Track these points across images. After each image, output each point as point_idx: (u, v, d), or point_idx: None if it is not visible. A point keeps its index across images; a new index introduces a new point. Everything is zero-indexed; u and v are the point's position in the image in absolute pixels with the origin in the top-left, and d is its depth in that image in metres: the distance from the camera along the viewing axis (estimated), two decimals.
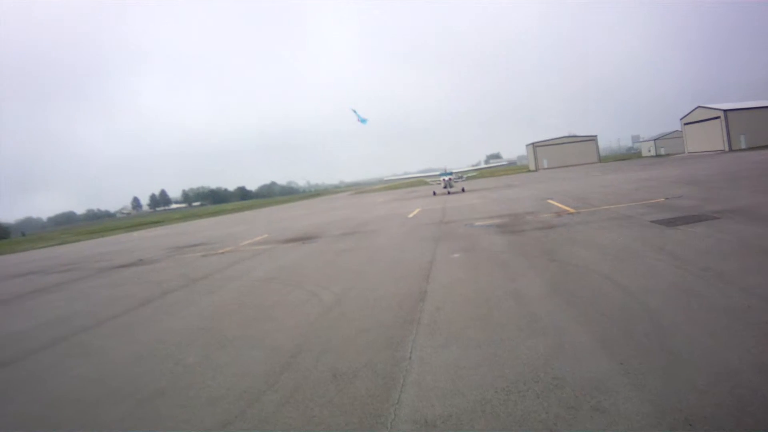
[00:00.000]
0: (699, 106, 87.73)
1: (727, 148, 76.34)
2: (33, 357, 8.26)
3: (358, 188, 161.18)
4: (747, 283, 6.88)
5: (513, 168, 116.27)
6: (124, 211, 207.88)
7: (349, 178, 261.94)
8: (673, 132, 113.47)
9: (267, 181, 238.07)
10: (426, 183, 56.27)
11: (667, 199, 17.84)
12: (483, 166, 73.37)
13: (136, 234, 54.66)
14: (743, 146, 74.97)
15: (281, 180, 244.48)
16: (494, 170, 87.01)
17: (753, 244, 9.34)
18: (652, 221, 13.25)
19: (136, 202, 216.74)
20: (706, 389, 4.15)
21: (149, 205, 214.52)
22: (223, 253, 19.87)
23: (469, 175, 57.25)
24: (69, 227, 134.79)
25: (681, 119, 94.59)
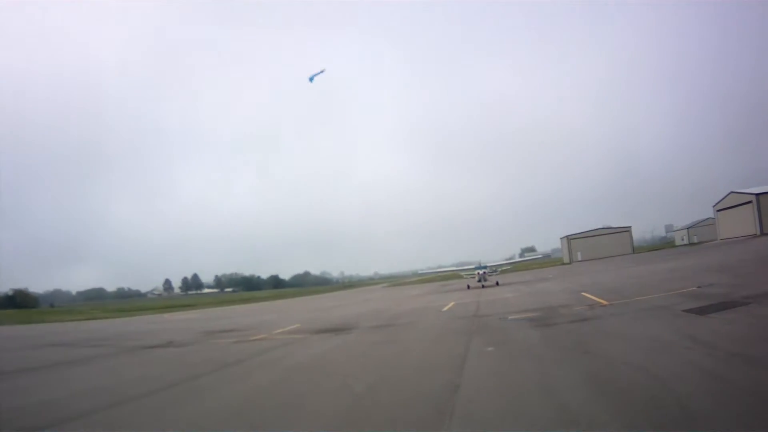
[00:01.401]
0: (732, 192, 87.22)
1: (758, 232, 75.33)
2: (61, 428, 8.34)
3: (393, 281, 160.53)
4: None
5: (547, 261, 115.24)
6: (155, 292, 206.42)
7: (383, 270, 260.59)
8: (707, 219, 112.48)
9: (301, 270, 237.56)
10: (460, 277, 56.01)
11: (699, 287, 17.72)
12: (517, 259, 72.85)
13: (167, 316, 55.26)
14: None
15: (315, 270, 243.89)
16: (528, 263, 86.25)
17: None
18: (685, 310, 13.18)
19: (167, 284, 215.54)
20: None
21: (181, 288, 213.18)
22: (255, 340, 19.84)
23: (504, 268, 57.03)
24: (98, 303, 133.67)
25: (714, 206, 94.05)
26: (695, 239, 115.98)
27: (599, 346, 10.47)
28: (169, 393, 10.65)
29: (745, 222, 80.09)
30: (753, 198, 78.38)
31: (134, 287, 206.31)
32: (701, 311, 12.62)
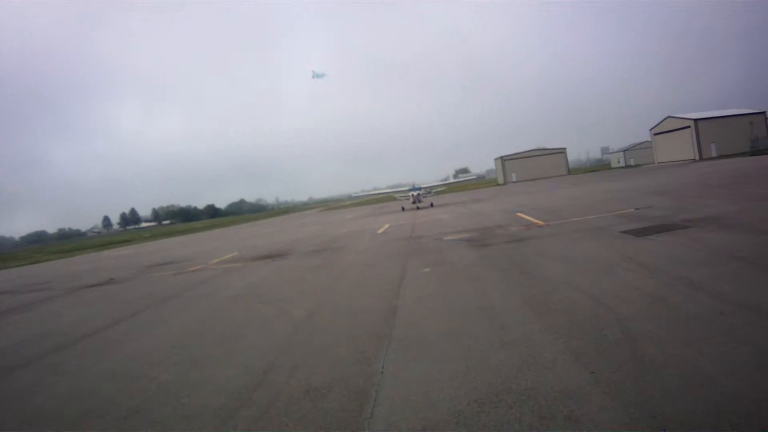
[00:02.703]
0: (669, 116, 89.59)
1: (697, 157, 78.02)
2: (8, 376, 8.23)
3: (328, 205, 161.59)
4: (719, 290, 7.05)
5: (482, 182, 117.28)
6: (95, 230, 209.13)
7: (318, 194, 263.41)
8: (643, 142, 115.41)
9: (236, 198, 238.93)
10: (395, 199, 56.51)
11: (637, 209, 18.15)
12: (452, 180, 73.55)
13: (106, 253, 54.50)
14: (714, 155, 76.76)
15: (250, 197, 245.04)
16: (463, 184, 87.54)
17: (724, 252, 9.56)
18: (622, 232, 13.46)
19: (106, 221, 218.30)
20: (680, 395, 4.26)
21: (119, 224, 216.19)
22: (193, 271, 19.85)
23: (438, 189, 57.62)
24: (41, 246, 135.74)
25: (651, 129, 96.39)
26: (632, 162, 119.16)
27: (537, 267, 10.64)
28: (112, 331, 10.65)
29: (682, 146, 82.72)
30: (691, 123, 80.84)
31: (74, 227, 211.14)
32: (639, 233, 12.88)
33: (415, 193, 45.66)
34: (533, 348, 5.85)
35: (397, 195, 54.90)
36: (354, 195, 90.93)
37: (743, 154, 69.04)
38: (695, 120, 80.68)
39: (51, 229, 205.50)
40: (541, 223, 18.44)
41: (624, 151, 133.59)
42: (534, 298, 8.16)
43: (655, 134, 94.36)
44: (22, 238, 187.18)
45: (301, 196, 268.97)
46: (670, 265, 9.05)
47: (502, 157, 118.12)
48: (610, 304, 7.13)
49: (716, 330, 5.62)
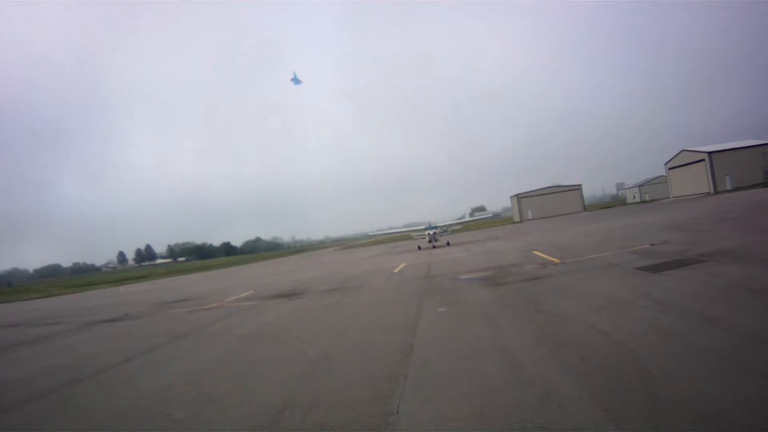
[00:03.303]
0: (683, 150, 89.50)
1: (712, 190, 77.66)
2: (21, 409, 8.26)
3: (344, 243, 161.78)
4: (733, 324, 7.03)
5: (498, 220, 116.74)
6: (110, 265, 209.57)
7: (334, 233, 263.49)
8: (658, 177, 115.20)
9: (252, 236, 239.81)
10: (411, 237, 56.51)
11: (652, 245, 18.07)
12: (468, 218, 73.28)
13: (121, 288, 54.82)
14: (728, 187, 76.39)
15: (266, 236, 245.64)
16: (479, 223, 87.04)
17: (739, 286, 9.54)
18: (638, 268, 13.42)
19: (121, 257, 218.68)
20: None
21: (135, 259, 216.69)
22: (209, 308, 19.81)
23: (454, 228, 57.51)
24: (55, 279, 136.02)
25: (665, 164, 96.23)
26: (647, 197, 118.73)
27: (552, 305, 10.58)
28: (126, 367, 10.67)
29: (698, 180, 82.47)
30: (705, 156, 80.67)
31: (89, 261, 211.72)
32: (655, 269, 12.83)
33: (431, 232, 45.69)
34: (548, 386, 5.84)
35: (413, 234, 54.94)
36: (370, 234, 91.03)
37: (758, 186, 68.74)
38: (709, 153, 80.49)
39: (65, 262, 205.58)
40: (556, 260, 18.37)
41: (639, 186, 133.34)
42: (549, 336, 8.13)
43: (670, 168, 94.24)
44: (36, 271, 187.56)
45: (317, 235, 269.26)
46: (685, 300, 9.02)
47: (517, 195, 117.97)
48: (625, 340, 7.11)
49: (730, 364, 5.60)
